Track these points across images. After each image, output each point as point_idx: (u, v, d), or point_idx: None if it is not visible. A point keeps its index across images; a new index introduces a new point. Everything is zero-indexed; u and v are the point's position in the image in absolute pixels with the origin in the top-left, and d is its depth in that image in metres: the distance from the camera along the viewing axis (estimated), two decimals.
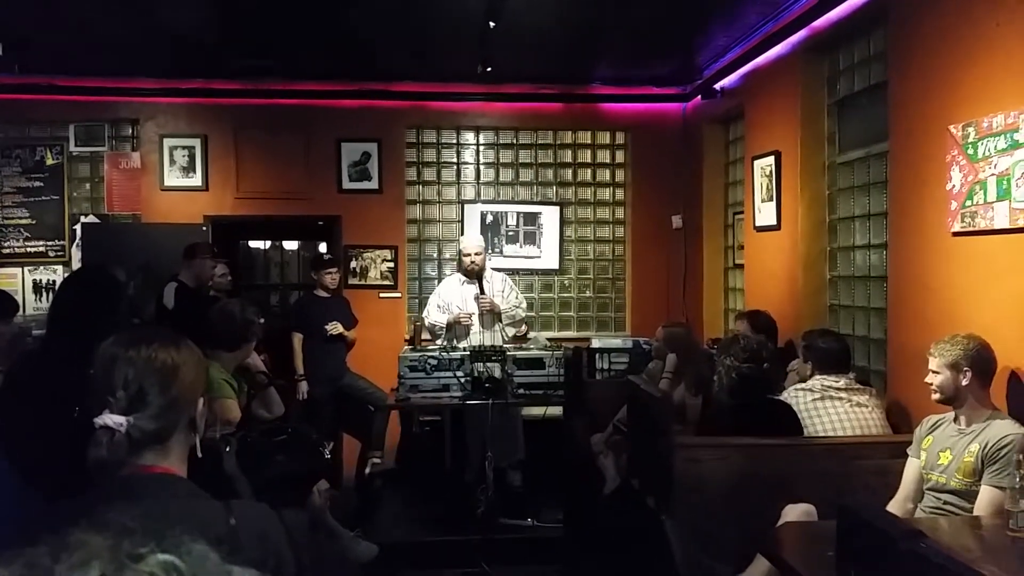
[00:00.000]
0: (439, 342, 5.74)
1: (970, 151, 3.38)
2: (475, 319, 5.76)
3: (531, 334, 6.32)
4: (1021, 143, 3.10)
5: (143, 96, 6.83)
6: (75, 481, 1.55)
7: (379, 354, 6.28)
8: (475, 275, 5.76)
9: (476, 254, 5.78)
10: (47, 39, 5.65)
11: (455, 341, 5.67)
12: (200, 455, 1.58)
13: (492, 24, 4.96)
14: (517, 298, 6.02)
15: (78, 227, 6.81)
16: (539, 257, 7.15)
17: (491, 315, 5.77)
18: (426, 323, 5.98)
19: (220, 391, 3.43)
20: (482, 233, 7.01)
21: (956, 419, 3.03)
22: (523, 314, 6.06)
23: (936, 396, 3.03)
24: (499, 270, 6.25)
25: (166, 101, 6.88)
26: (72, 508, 1.41)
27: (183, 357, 1.54)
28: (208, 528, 1.36)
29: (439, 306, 5.89)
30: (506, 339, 5.71)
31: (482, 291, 5.73)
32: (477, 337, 5.70)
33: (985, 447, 2.86)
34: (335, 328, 6.12)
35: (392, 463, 6.22)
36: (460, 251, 6.00)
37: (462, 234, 7.01)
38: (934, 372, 3.02)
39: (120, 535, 0.69)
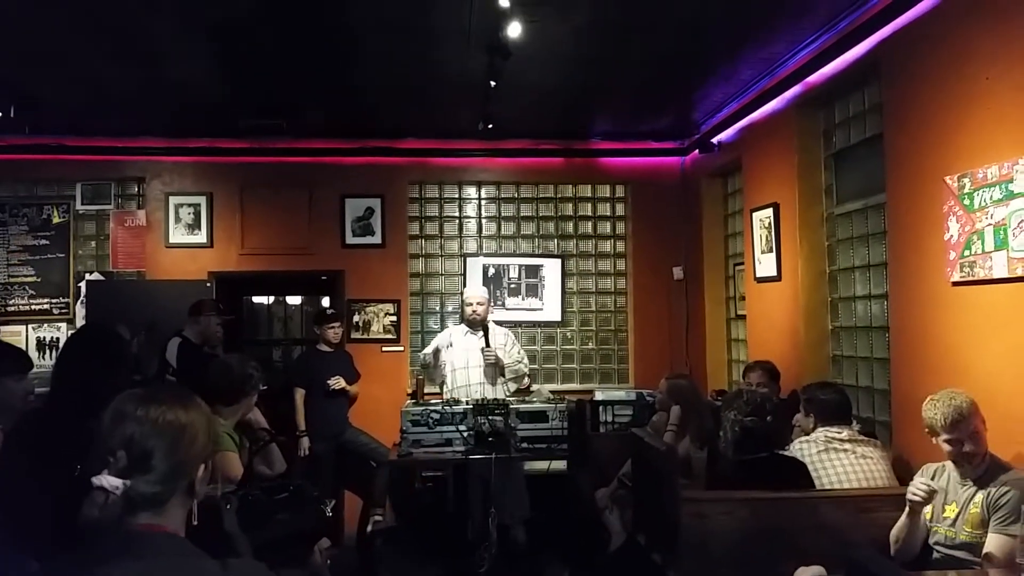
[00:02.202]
0: (431, 377, 5.81)
1: (966, 201, 3.42)
2: (478, 370, 5.76)
3: (534, 387, 6.30)
4: (1016, 193, 3.13)
5: (149, 155, 6.94)
6: (74, 539, 1.54)
7: (381, 409, 6.26)
8: (478, 325, 5.79)
9: (479, 304, 5.82)
10: (56, 100, 5.78)
11: (456, 393, 5.67)
12: (196, 522, 1.55)
13: (493, 83, 5.06)
14: (519, 353, 6.02)
15: (83, 284, 6.86)
16: (541, 309, 7.17)
17: (494, 368, 5.77)
18: (422, 355, 5.98)
19: (221, 444, 3.42)
20: (484, 286, 7.05)
21: (959, 469, 2.98)
22: (526, 369, 6.04)
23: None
24: (500, 323, 6.25)
25: (172, 160, 6.99)
26: (67, 566, 1.40)
27: (191, 418, 1.52)
28: None
29: (438, 348, 5.89)
30: (507, 393, 5.70)
31: (487, 343, 5.74)
32: (478, 389, 5.68)
33: (988, 495, 2.83)
34: (337, 383, 6.11)
35: (394, 520, 6.15)
36: (463, 301, 6.03)
37: (464, 287, 7.04)
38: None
39: None
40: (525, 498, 5.57)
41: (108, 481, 1.40)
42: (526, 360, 6.12)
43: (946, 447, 2.92)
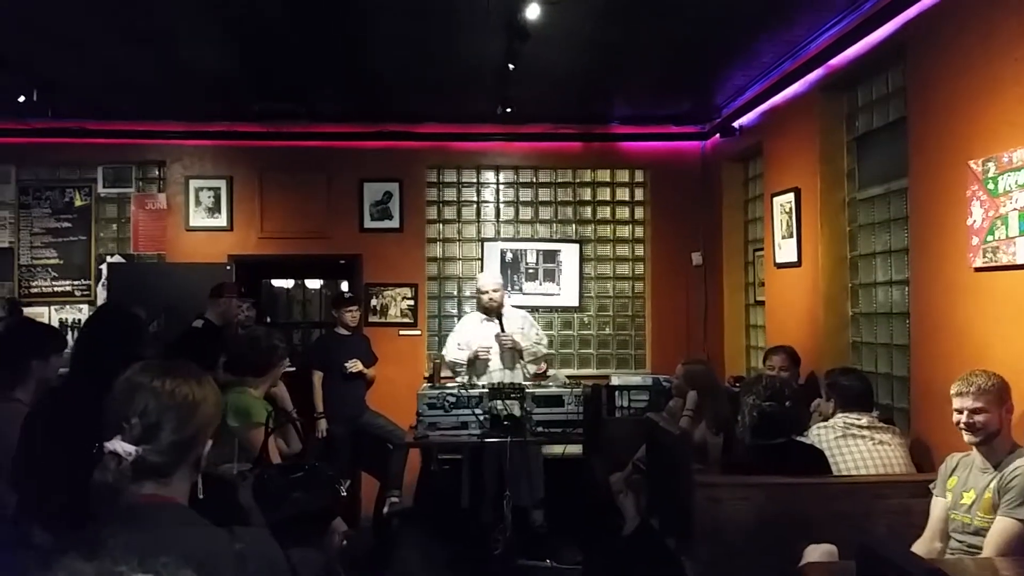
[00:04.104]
0: (459, 379, 5.74)
1: (990, 186, 3.36)
2: (495, 356, 5.75)
3: (550, 371, 6.29)
4: None
5: (170, 139, 6.99)
6: (89, 515, 1.56)
7: (398, 392, 6.28)
8: (494, 312, 5.77)
9: (494, 291, 5.78)
10: (78, 84, 5.81)
11: (476, 378, 5.66)
12: (201, 496, 1.56)
13: (511, 66, 5.03)
14: (538, 335, 5.98)
15: (104, 267, 6.93)
16: (558, 294, 7.16)
17: (512, 353, 5.75)
18: (446, 360, 5.98)
19: (258, 417, 3.48)
20: (502, 271, 7.04)
21: (981, 458, 2.96)
22: (544, 351, 6.01)
23: (977, 437, 2.89)
24: (518, 307, 6.24)
25: (192, 143, 7.04)
26: (75, 538, 1.42)
27: (204, 393, 1.55)
28: (212, 554, 1.36)
29: (459, 344, 5.89)
30: (527, 376, 5.68)
31: (502, 329, 5.72)
32: (498, 375, 5.68)
33: (1000, 478, 2.80)
34: (355, 366, 6.14)
35: (410, 502, 6.19)
36: (478, 288, 6.00)
37: (481, 271, 7.05)
38: (979, 411, 2.87)
39: (106, 559, 0.71)
40: (540, 480, 5.58)
41: (122, 447, 1.42)
42: (545, 340, 6.10)
43: (953, 416, 2.96)
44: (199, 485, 1.56)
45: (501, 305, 5.80)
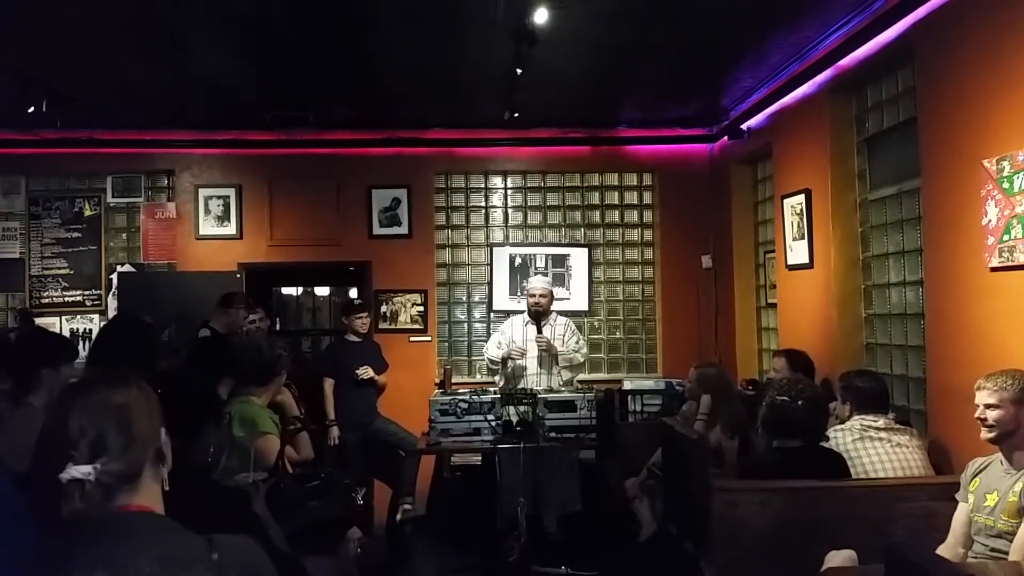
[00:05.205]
0: (496, 378, 5.77)
1: (1005, 185, 3.34)
2: (533, 359, 5.76)
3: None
4: None
5: (179, 148, 7.00)
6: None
7: (409, 398, 6.27)
8: (538, 316, 5.78)
9: (541, 295, 5.82)
10: (86, 95, 5.83)
11: (512, 378, 5.69)
12: (167, 488, 1.54)
13: (519, 71, 5.03)
14: (578, 343, 5.97)
15: (114, 276, 6.95)
16: (568, 299, 7.13)
17: (549, 357, 5.76)
18: (485, 356, 6.02)
19: (264, 426, 3.47)
20: (511, 276, 7.04)
21: (1003, 459, 2.93)
22: (581, 359, 5.99)
23: (991, 434, 2.88)
24: (564, 313, 6.22)
25: (201, 152, 7.05)
26: (53, 555, 1.39)
27: (133, 394, 1.52)
28: (188, 563, 1.35)
29: (499, 343, 5.93)
30: (561, 382, 5.70)
31: (540, 332, 5.74)
32: (533, 379, 5.72)
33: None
34: (366, 373, 6.13)
35: (423, 509, 6.16)
36: (527, 291, 6.04)
37: (491, 278, 7.05)
38: (992, 407, 2.87)
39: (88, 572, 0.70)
40: (577, 491, 5.49)
41: (79, 471, 1.39)
42: (584, 350, 6.09)
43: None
44: (165, 479, 1.53)
45: (546, 311, 5.81)
